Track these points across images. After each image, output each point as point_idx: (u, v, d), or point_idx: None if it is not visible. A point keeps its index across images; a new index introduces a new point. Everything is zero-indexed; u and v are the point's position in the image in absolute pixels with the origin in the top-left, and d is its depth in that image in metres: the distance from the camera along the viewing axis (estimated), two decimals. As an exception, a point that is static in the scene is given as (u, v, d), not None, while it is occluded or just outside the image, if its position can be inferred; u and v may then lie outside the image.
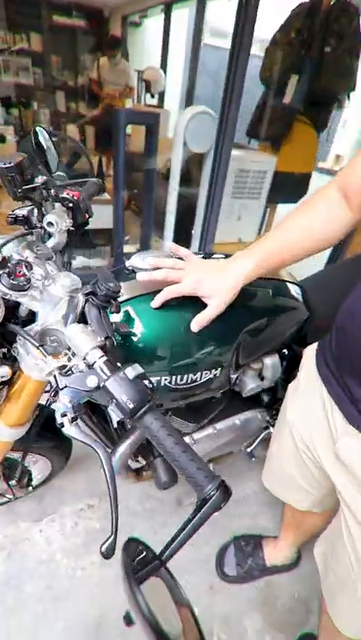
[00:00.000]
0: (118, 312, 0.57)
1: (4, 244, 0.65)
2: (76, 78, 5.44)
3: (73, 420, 0.46)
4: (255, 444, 1.25)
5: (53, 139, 1.78)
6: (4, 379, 0.56)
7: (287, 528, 1.10)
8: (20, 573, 1.10)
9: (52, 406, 0.77)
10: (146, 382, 0.47)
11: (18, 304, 0.58)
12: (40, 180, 0.65)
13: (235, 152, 1.80)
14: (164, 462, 0.95)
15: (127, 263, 0.75)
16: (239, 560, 1.17)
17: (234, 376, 0.95)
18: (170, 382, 0.70)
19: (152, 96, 4.28)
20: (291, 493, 0.88)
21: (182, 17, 4.67)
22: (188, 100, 4.43)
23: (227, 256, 0.74)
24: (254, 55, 2.41)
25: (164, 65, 4.83)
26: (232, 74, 1.36)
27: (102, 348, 0.50)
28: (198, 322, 0.66)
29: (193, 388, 0.74)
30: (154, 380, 0.69)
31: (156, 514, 1.31)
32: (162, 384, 0.70)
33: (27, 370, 0.56)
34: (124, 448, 0.87)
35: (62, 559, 1.15)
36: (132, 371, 0.45)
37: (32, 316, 0.58)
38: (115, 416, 0.44)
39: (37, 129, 0.87)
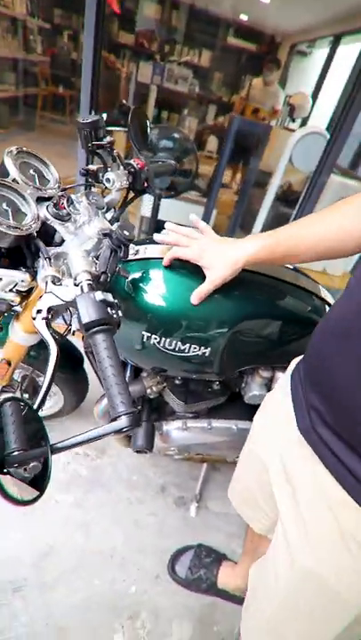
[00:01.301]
0: (126, 258, 0.64)
1: (68, 188, 0.79)
2: (231, 95, 5.82)
3: (43, 318, 0.55)
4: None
5: (175, 134, 1.95)
6: (23, 284, 0.68)
7: (245, 553, 1.03)
8: (8, 479, 1.25)
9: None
10: (112, 312, 0.53)
11: (55, 230, 0.70)
12: (107, 140, 0.76)
13: (339, 179, 1.74)
14: (146, 429, 1.00)
15: (162, 232, 0.83)
16: (193, 565, 1.14)
17: (236, 372, 0.95)
18: (159, 342, 0.75)
19: (293, 120, 4.32)
20: (249, 510, 0.84)
21: (353, 52, 4.60)
22: (330, 129, 4.35)
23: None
24: None
25: (316, 94, 4.84)
26: (347, 107, 1.34)
27: (94, 276, 0.58)
28: (197, 294, 0.69)
29: (181, 358, 0.77)
30: (145, 334, 0.74)
31: (138, 488, 1.35)
32: (151, 342, 0.75)
33: (40, 282, 0.67)
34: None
35: (45, 485, 1.28)
36: (101, 295, 0.52)
37: (62, 244, 0.69)
38: (74, 326, 0.51)
39: (140, 110, 1.01)
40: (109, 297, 0.53)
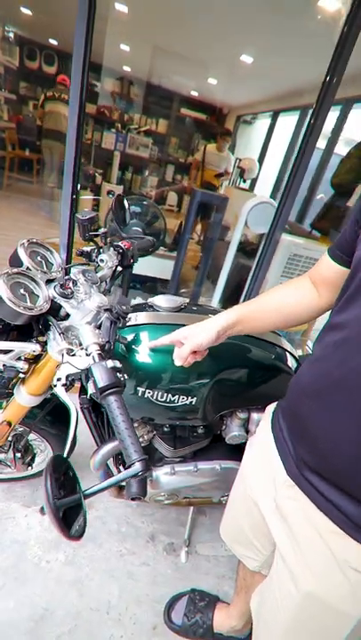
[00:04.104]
0: (124, 327, 0.78)
1: (70, 267, 0.93)
2: (186, 157, 6.47)
3: (63, 385, 0.66)
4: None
5: (144, 202, 2.20)
6: (35, 353, 0.79)
7: (239, 592, 1.09)
8: (-3, 543, 1.24)
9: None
10: (120, 375, 0.66)
11: (60, 306, 0.83)
12: (102, 231, 0.92)
13: (291, 238, 2.03)
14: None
15: (148, 300, 0.98)
16: (188, 611, 1.17)
17: (217, 417, 1.07)
18: (152, 396, 0.87)
19: (244, 181, 4.88)
20: (242, 548, 0.91)
21: (289, 122, 5.35)
22: (275, 190, 4.97)
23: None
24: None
25: (262, 157, 5.53)
26: (292, 179, 1.64)
27: (101, 346, 0.71)
28: (177, 355, 0.76)
29: (171, 409, 0.89)
30: (140, 390, 0.86)
31: (128, 539, 1.38)
32: (145, 396, 0.87)
33: (51, 350, 0.79)
34: (106, 449, 1.03)
35: (34, 546, 1.27)
36: (111, 363, 0.65)
37: (67, 317, 0.82)
38: (89, 389, 0.63)
39: (121, 197, 1.21)
40: (117, 363, 0.66)
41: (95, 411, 1.06)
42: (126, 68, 5.85)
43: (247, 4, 2.70)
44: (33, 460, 1.27)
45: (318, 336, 0.70)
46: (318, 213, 2.49)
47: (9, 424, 0.97)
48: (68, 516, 0.52)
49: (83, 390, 0.98)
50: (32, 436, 1.31)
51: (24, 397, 0.89)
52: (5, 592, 1.14)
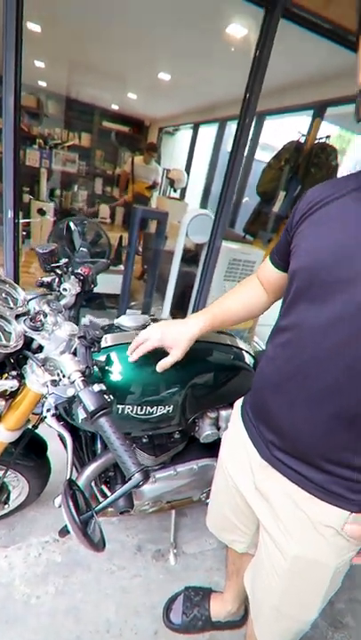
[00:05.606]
0: (99, 352, 0.82)
1: (32, 299, 0.94)
2: (114, 169, 6.50)
3: (53, 415, 0.69)
4: (213, 495, 1.38)
5: (85, 222, 2.23)
6: (12, 389, 0.80)
7: (230, 576, 1.18)
8: (-20, 591, 1.19)
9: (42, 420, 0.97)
10: (106, 397, 0.71)
11: (32, 339, 0.85)
12: (63, 261, 0.96)
13: (229, 245, 2.20)
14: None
15: (115, 322, 1.03)
16: (186, 608, 1.23)
17: (191, 420, 1.15)
18: (132, 411, 0.92)
19: (174, 191, 5.06)
20: (228, 534, 1.00)
21: (210, 132, 5.67)
22: (205, 197, 5.24)
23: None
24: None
25: (188, 167, 5.78)
26: (225, 190, 1.79)
27: (82, 372, 0.75)
28: (162, 365, 0.88)
29: (150, 420, 0.95)
30: (120, 407, 0.91)
31: (115, 556, 1.39)
32: (125, 412, 0.92)
33: (29, 384, 0.81)
34: (90, 470, 1.05)
35: (20, 585, 1.24)
36: (97, 387, 0.69)
37: (40, 349, 0.84)
38: (80, 415, 0.67)
39: (69, 222, 1.25)
40: (103, 386, 0.71)
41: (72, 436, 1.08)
42: (42, 84, 5.74)
43: (162, 25, 2.85)
44: (8, 497, 1.24)
45: (269, 337, 0.82)
46: (249, 219, 2.72)
47: (-14, 464, 0.96)
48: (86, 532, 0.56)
49: (58, 417, 1.00)
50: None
51: (2, 434, 0.88)
52: (-2, 639, 1.10)
